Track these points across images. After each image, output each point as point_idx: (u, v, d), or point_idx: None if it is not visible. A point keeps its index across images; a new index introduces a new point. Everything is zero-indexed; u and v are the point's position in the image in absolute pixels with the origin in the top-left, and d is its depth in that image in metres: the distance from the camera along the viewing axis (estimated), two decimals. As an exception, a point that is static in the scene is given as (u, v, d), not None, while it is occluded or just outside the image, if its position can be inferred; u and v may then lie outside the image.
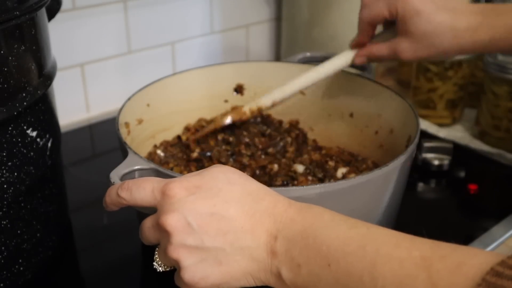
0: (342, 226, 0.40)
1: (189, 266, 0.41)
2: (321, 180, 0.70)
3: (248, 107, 0.76)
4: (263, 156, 0.73)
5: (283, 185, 0.68)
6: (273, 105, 0.75)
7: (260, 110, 0.76)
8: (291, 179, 0.69)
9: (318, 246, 0.39)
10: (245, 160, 0.72)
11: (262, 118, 0.80)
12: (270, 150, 0.75)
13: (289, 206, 0.42)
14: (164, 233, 0.42)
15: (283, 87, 0.74)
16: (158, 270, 0.44)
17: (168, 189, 0.42)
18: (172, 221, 0.41)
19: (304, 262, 0.39)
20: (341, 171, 0.72)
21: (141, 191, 0.44)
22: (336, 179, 0.71)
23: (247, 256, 0.41)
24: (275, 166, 0.71)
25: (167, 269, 0.45)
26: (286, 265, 0.40)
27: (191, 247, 0.41)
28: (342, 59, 0.72)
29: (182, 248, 0.41)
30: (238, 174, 0.44)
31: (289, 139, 0.78)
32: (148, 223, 0.44)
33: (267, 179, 0.70)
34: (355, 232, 0.39)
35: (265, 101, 0.75)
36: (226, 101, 0.80)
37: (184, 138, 0.77)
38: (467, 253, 0.35)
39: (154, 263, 0.44)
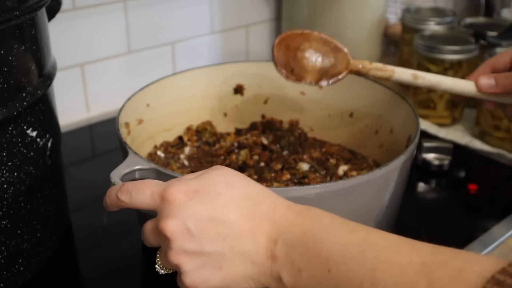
0: (341, 231, 0.40)
1: (190, 271, 0.41)
2: (324, 178, 0.70)
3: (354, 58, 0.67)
4: (273, 163, 0.74)
5: (293, 182, 0.68)
6: (377, 70, 0.65)
7: (364, 67, 0.66)
8: (300, 177, 0.69)
9: (318, 251, 0.39)
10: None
11: (264, 122, 0.81)
12: (285, 153, 0.75)
13: (289, 208, 0.42)
14: (164, 238, 0.42)
15: (400, 68, 0.66)
16: (160, 273, 0.45)
17: (167, 193, 0.42)
18: (171, 226, 0.41)
19: (304, 267, 0.39)
20: (342, 168, 0.72)
21: (140, 195, 0.44)
22: (337, 176, 0.71)
23: (247, 260, 0.41)
24: (279, 166, 0.72)
25: (169, 272, 0.45)
26: (286, 269, 0.40)
27: (191, 252, 0.41)
28: (466, 83, 0.64)
29: (182, 253, 0.41)
30: (238, 177, 0.44)
31: (292, 138, 0.78)
32: (149, 226, 0.45)
33: (273, 175, 0.70)
34: (355, 237, 0.39)
35: (377, 64, 0.66)
36: (226, 101, 0.80)
37: (185, 138, 0.77)
38: (467, 259, 0.34)
39: (156, 266, 0.44)
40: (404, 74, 0.66)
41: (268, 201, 0.43)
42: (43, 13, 0.58)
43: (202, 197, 0.42)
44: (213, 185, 0.43)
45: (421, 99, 0.95)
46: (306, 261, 0.39)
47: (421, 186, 0.81)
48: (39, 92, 0.56)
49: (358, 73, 0.67)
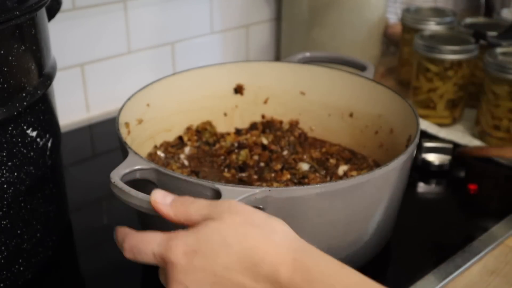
0: None
1: None
2: (324, 178, 0.70)
3: None
4: (273, 163, 0.73)
5: (293, 182, 0.68)
6: None
7: None
8: (300, 177, 0.69)
9: None
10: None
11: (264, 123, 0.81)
12: (285, 153, 0.75)
13: (294, 271, 0.41)
14: None
15: None
16: None
17: (168, 258, 0.42)
18: None
19: None
20: (342, 168, 0.72)
21: (143, 255, 0.44)
22: (337, 176, 0.71)
23: None
24: (279, 166, 0.72)
25: None
26: None
27: None
28: None
29: None
30: (233, 229, 0.42)
31: (292, 138, 0.78)
32: (162, 280, 0.45)
33: (273, 175, 0.70)
34: None
35: None
36: (226, 101, 0.80)
37: (185, 138, 0.77)
38: None
39: None
40: None
41: (268, 258, 0.41)
42: (43, 13, 0.58)
43: (201, 260, 0.41)
44: (209, 244, 0.42)
45: (421, 99, 0.95)
46: None
47: (421, 186, 0.81)
48: (39, 92, 0.56)
49: None
